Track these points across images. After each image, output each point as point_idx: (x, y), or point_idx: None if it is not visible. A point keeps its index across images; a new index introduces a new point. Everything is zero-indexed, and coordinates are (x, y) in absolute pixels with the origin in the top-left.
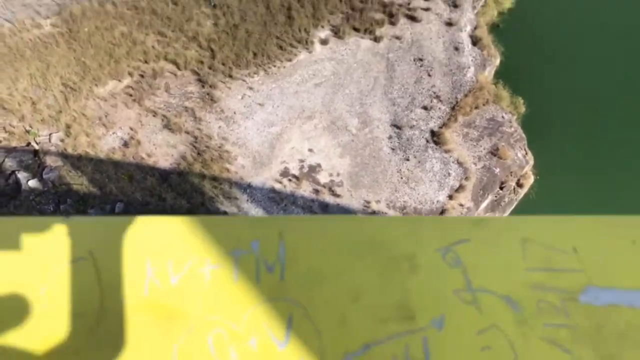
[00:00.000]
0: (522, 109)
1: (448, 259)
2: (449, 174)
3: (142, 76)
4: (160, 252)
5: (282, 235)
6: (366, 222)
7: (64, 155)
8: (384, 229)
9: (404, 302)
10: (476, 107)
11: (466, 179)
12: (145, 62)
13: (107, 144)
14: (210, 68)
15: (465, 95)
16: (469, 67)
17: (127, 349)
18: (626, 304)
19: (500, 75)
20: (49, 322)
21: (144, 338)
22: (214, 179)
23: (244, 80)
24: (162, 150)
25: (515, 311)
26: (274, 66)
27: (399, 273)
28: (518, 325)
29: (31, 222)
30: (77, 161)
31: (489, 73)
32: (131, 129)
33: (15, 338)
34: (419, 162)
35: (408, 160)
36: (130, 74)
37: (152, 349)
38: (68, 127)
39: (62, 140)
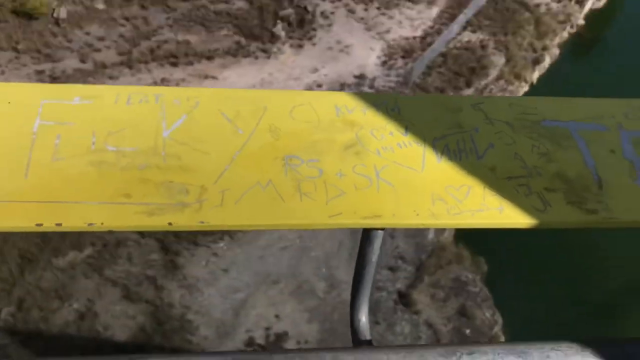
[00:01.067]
0: (485, 268)
1: (476, 109)
2: (420, 337)
3: (104, 245)
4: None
5: (396, 101)
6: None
7: (12, 332)
8: (455, 101)
9: (457, 121)
10: (440, 267)
11: (437, 341)
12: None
13: (61, 318)
14: (174, 235)
15: (429, 256)
16: (429, 229)
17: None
18: (563, 126)
19: (460, 236)
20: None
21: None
22: (174, 351)
23: (208, 247)
24: (120, 322)
25: (511, 127)
26: (240, 231)
27: (452, 114)
28: (513, 131)
29: None
30: (27, 338)
31: (448, 234)
32: (89, 300)
33: None
34: (389, 325)
35: (378, 323)
36: (93, 244)
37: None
38: (21, 301)
39: (12, 315)
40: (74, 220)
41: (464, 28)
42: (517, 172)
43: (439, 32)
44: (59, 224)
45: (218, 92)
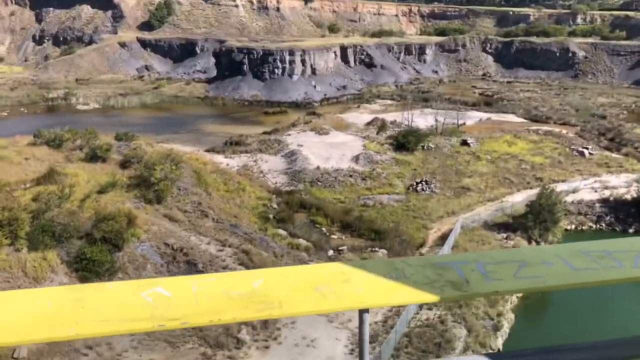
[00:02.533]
0: None
1: (402, 263)
2: None
3: None
4: None
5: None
6: (388, 261)
7: None
8: (390, 261)
9: (394, 267)
10: None
11: None
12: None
13: None
14: None
15: None
16: None
17: None
18: (448, 264)
19: None
20: None
21: None
22: None
23: None
24: None
25: (422, 267)
26: None
27: (389, 265)
28: (423, 268)
29: None
30: None
31: None
32: None
33: None
34: None
35: None
36: None
37: None
38: None
39: None
40: (226, 317)
41: (420, 307)
42: (426, 279)
43: (397, 314)
44: (219, 319)
45: (229, 274)
